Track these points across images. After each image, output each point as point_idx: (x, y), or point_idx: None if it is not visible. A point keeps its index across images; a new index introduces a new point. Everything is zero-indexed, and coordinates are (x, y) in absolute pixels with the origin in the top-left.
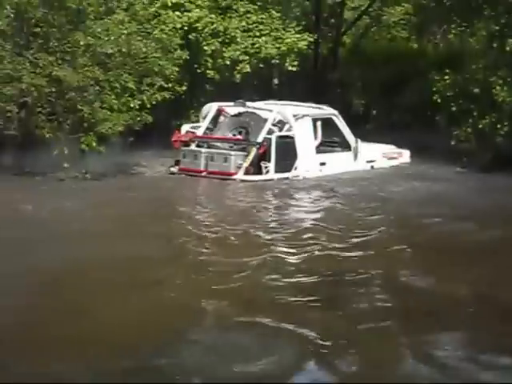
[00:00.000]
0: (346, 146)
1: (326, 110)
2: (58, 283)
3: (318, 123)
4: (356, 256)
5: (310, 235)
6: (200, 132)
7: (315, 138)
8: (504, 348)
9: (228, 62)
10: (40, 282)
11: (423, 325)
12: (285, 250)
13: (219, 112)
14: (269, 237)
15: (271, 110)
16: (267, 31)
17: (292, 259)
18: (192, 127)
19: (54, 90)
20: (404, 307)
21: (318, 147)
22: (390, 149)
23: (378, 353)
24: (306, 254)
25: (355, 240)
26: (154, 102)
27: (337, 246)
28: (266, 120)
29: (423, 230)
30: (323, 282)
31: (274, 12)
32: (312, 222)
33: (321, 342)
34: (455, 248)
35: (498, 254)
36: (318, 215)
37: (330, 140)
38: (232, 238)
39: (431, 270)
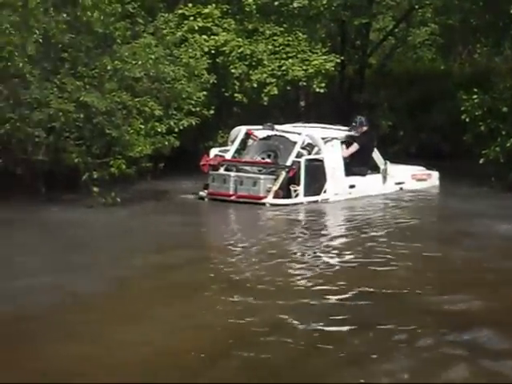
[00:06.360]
0: (374, 168)
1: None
2: None
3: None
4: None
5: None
6: (229, 156)
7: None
8: None
9: (255, 85)
10: None
11: None
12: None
13: (248, 135)
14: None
15: (300, 133)
16: (294, 53)
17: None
18: (220, 151)
19: (81, 114)
20: None
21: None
22: (419, 170)
23: None
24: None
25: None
26: (181, 127)
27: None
28: (294, 143)
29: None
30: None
31: (300, 34)
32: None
33: None
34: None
35: None
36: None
37: None
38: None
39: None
